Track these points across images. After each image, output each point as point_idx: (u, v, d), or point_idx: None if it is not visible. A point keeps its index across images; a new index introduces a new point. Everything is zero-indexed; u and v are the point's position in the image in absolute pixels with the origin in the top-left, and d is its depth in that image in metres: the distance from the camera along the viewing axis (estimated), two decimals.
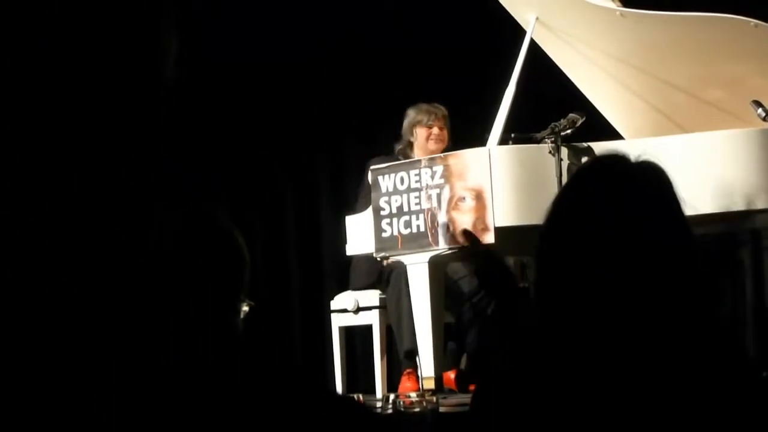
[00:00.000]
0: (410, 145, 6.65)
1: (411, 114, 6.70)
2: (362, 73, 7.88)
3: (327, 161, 8.06)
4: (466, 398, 5.91)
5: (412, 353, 6.21)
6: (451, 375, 6.21)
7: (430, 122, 6.61)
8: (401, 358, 6.34)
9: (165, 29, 1.10)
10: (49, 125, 1.06)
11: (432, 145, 6.55)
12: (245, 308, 2.30)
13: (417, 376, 6.26)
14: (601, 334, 1.76)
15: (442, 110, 6.69)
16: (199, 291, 2.14)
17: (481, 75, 6.80)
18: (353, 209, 6.34)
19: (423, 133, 6.60)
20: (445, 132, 6.63)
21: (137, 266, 1.10)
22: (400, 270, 5.96)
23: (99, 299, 1.07)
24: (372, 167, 5.89)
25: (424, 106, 6.71)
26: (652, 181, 1.86)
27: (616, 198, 1.83)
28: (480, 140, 5.73)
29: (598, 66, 6.15)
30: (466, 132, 6.52)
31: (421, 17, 7.89)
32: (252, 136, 7.80)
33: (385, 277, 6.37)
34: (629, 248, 1.78)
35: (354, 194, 6.95)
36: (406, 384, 6.25)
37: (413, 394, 5.34)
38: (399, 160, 6.24)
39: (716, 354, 1.78)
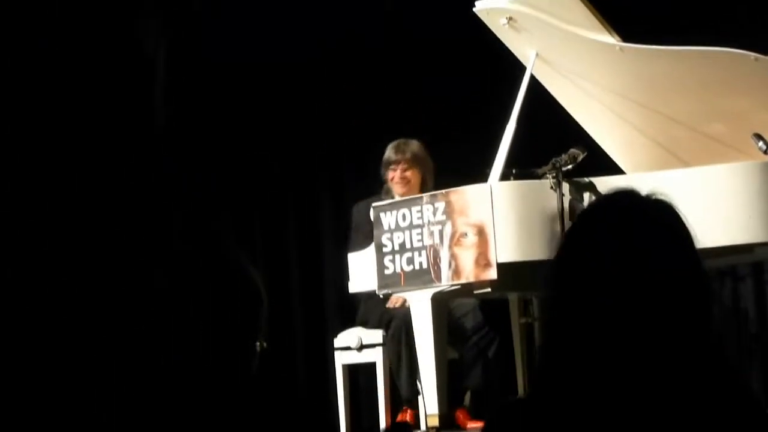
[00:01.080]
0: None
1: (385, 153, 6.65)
2: (361, 100, 7.89)
3: (329, 198, 8.06)
4: None
5: (410, 401, 6.23)
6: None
7: (392, 165, 6.54)
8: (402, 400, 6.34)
9: (152, 29, 1.11)
10: (52, 127, 1.07)
11: (397, 188, 6.50)
12: (259, 347, 2.31)
13: (415, 415, 6.26)
14: (612, 370, 1.76)
15: (410, 148, 6.57)
16: (217, 329, 2.14)
17: (482, 110, 6.81)
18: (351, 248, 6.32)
19: (389, 175, 6.55)
20: (411, 173, 6.52)
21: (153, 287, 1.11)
22: (401, 320, 5.95)
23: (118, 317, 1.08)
24: (374, 204, 5.89)
25: (391, 146, 6.61)
26: (665, 217, 1.86)
27: (629, 234, 1.83)
28: (481, 176, 5.74)
29: (598, 101, 6.16)
30: (467, 168, 6.52)
31: (422, 51, 7.92)
32: (255, 170, 7.81)
33: (384, 320, 6.36)
34: (643, 284, 1.78)
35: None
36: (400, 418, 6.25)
37: None
38: (381, 200, 6.22)
39: (722, 390, 1.78)
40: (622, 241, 1.82)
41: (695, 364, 1.77)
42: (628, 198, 1.90)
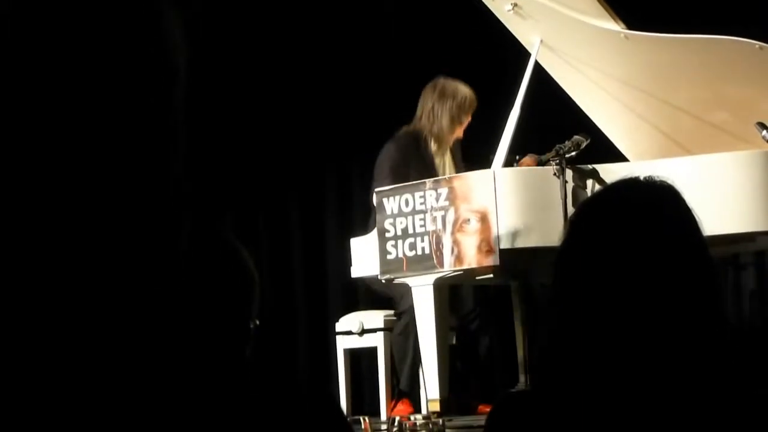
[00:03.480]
0: (437, 129, 6.42)
1: (458, 98, 6.42)
2: (369, 91, 7.89)
3: (333, 183, 8.06)
4: (471, 420, 5.91)
5: (408, 394, 6.23)
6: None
7: (469, 115, 6.42)
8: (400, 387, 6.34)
9: (171, 29, 1.10)
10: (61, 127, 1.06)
11: (459, 133, 6.41)
12: (252, 327, 2.31)
13: (411, 404, 6.27)
14: (618, 356, 1.76)
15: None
16: (209, 310, 2.14)
17: (487, 96, 6.80)
18: (382, 183, 6.17)
19: (462, 119, 6.41)
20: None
21: (161, 278, 1.10)
22: (411, 316, 5.91)
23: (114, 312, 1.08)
24: (377, 189, 5.87)
25: (472, 97, 6.43)
26: (665, 201, 1.86)
27: (632, 222, 1.83)
28: (485, 162, 5.74)
29: (602, 88, 6.16)
30: (471, 153, 6.52)
31: (428, 43, 7.91)
32: (259, 155, 7.82)
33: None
34: (648, 271, 1.78)
35: (359, 216, 6.95)
36: (399, 407, 6.25)
37: (419, 416, 5.35)
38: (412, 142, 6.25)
39: (730, 380, 1.78)
40: (625, 229, 1.82)
41: (703, 353, 1.77)
42: (630, 185, 1.90)
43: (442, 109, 6.37)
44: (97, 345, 1.06)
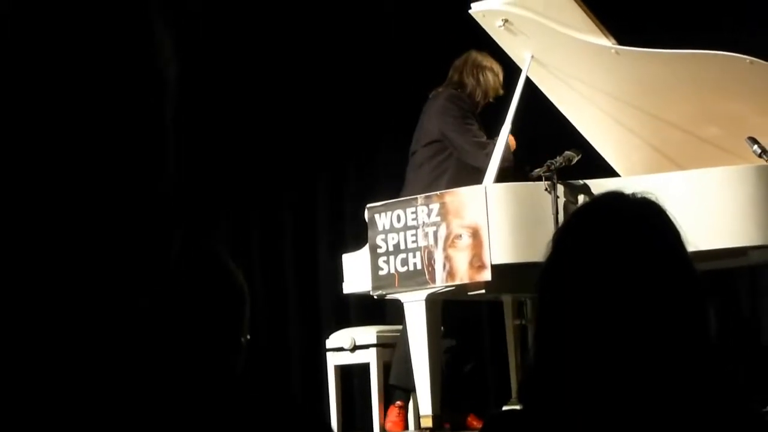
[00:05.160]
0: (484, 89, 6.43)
1: (497, 70, 6.45)
2: (362, 107, 7.89)
3: (326, 198, 8.06)
4: None
5: (407, 391, 6.19)
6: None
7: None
8: (391, 383, 6.28)
9: (161, 41, 1.10)
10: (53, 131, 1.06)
11: (492, 94, 6.41)
12: (243, 343, 2.31)
13: (405, 414, 6.25)
14: (604, 372, 1.76)
15: None
16: (199, 325, 2.14)
17: (478, 112, 6.79)
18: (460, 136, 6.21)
19: (496, 81, 6.43)
20: None
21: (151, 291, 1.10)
22: None
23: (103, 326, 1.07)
24: (368, 206, 5.86)
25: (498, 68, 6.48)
26: (649, 217, 1.86)
27: (615, 236, 1.83)
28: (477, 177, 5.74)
29: (593, 103, 6.17)
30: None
31: (418, 59, 7.92)
32: (251, 169, 7.82)
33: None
34: (632, 286, 1.78)
35: (351, 233, 6.94)
36: (393, 418, 6.23)
37: None
38: (467, 99, 6.27)
39: (717, 395, 1.78)
40: (609, 244, 1.82)
41: (690, 368, 1.77)
42: (614, 200, 1.90)
43: (484, 75, 6.41)
44: (85, 361, 1.06)
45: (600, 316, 1.77)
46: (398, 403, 6.31)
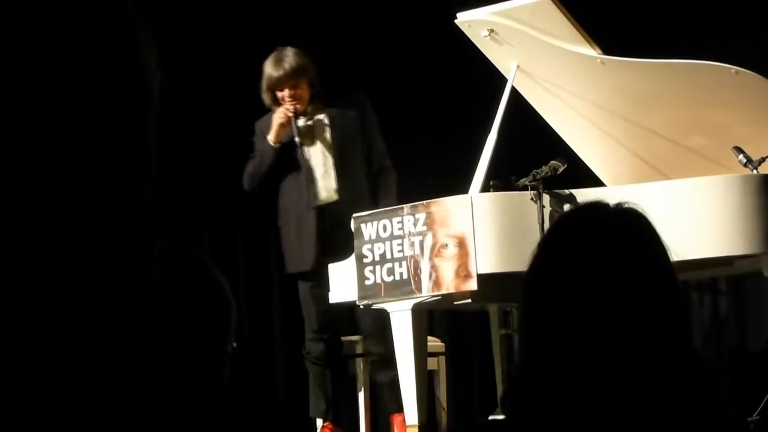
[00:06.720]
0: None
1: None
2: None
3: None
4: None
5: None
6: None
7: (279, 85, 6.33)
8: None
9: (145, 53, 1.10)
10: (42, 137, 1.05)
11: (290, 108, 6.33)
12: (230, 349, 2.31)
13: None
14: (585, 380, 1.76)
15: (291, 61, 6.30)
16: (185, 334, 2.14)
17: (464, 121, 6.81)
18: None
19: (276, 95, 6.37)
20: (299, 91, 6.36)
21: (135, 304, 1.09)
22: None
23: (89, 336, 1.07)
24: (354, 215, 5.84)
25: (269, 63, 6.32)
26: (631, 227, 1.86)
27: (597, 246, 1.83)
28: (462, 187, 5.74)
29: (579, 113, 6.17)
30: (449, 179, 6.51)
31: (404, 69, 7.93)
32: (236, 175, 7.80)
33: None
34: (613, 295, 1.78)
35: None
36: (399, 427, 6.21)
37: None
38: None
39: (700, 404, 1.78)
40: (591, 253, 1.82)
41: (672, 377, 1.77)
42: (596, 210, 1.90)
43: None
44: (72, 369, 1.05)
45: (583, 325, 1.77)
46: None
